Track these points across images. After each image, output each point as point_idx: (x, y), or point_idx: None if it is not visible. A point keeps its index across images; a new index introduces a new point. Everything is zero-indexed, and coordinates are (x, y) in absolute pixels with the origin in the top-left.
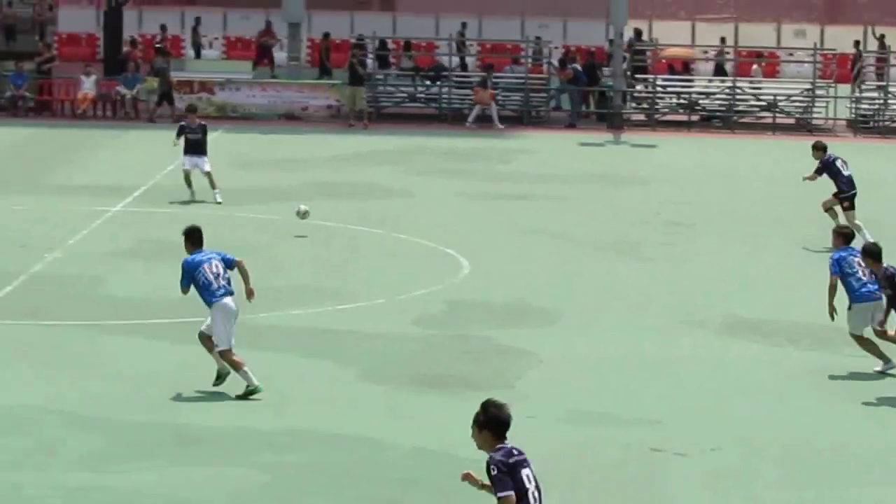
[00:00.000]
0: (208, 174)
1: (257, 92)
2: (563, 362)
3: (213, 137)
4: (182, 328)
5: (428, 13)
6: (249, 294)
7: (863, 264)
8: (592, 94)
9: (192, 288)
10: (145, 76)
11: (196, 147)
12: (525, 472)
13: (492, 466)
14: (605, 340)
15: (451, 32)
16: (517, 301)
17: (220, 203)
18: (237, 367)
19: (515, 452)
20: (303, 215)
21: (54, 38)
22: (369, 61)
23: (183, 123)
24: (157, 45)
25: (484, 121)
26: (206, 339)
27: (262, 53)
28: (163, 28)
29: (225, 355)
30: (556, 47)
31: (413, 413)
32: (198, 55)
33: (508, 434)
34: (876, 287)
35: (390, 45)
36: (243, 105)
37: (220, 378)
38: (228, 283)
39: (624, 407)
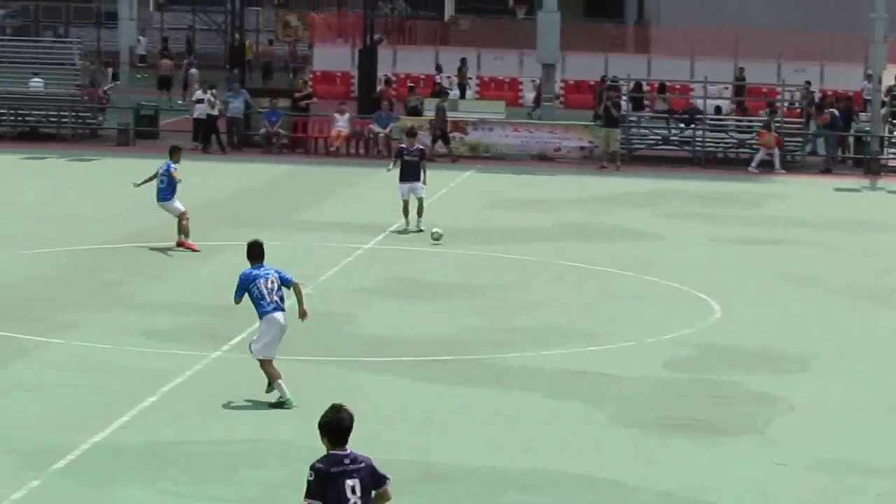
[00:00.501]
0: (420, 200)
1: (510, 132)
2: (815, 409)
3: (466, 177)
4: (431, 366)
5: (683, 56)
6: (303, 315)
7: None
8: (848, 139)
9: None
10: (398, 115)
11: (412, 171)
12: (350, 483)
13: (310, 471)
14: (859, 388)
15: (706, 75)
16: (768, 346)
17: (421, 231)
18: (273, 377)
19: (346, 462)
20: (437, 237)
21: (309, 77)
22: (623, 103)
23: (402, 146)
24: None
25: (763, 165)
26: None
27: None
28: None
29: (264, 365)
30: (814, 91)
31: (660, 457)
32: (462, 95)
33: None
34: None
35: (645, 87)
36: (496, 145)
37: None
38: (281, 299)
39: (876, 456)
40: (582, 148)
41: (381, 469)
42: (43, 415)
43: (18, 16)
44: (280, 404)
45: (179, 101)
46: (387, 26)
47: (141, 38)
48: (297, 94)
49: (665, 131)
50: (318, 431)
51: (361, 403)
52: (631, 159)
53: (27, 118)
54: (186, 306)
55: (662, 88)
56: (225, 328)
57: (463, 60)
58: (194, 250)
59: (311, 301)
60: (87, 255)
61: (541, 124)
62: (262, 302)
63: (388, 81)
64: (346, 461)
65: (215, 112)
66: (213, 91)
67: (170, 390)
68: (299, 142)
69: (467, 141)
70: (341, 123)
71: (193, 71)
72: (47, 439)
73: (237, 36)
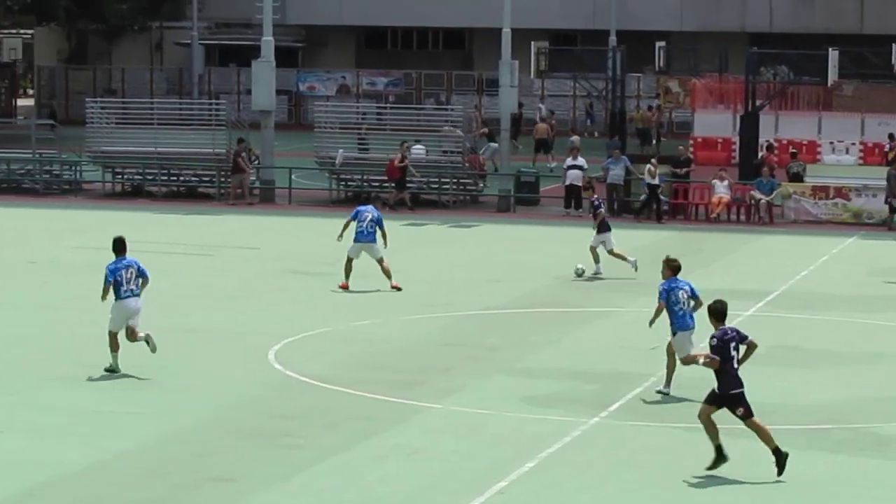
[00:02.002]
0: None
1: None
2: None
3: (848, 243)
4: (811, 434)
5: None
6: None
7: None
8: None
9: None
10: (780, 181)
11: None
12: (733, 344)
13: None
14: None
15: None
16: None
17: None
18: (114, 348)
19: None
20: (580, 273)
21: (689, 142)
22: None
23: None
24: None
25: None
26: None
27: None
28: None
29: (111, 335)
30: None
31: None
32: None
33: None
34: None
35: None
36: (880, 211)
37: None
38: (137, 287)
39: None
40: None
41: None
42: (420, 480)
43: (401, 84)
44: (110, 370)
45: (550, 167)
46: (768, 91)
47: (542, 105)
48: (682, 159)
49: None
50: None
51: (738, 469)
52: None
53: (408, 185)
54: (565, 372)
55: None
56: (604, 394)
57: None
58: (398, 288)
59: (692, 368)
60: (468, 321)
61: None
62: (120, 289)
63: (769, 147)
64: (730, 332)
65: (656, 181)
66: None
67: (548, 456)
68: (679, 208)
69: (850, 207)
70: (721, 189)
71: (575, 138)
72: None
73: (618, 103)
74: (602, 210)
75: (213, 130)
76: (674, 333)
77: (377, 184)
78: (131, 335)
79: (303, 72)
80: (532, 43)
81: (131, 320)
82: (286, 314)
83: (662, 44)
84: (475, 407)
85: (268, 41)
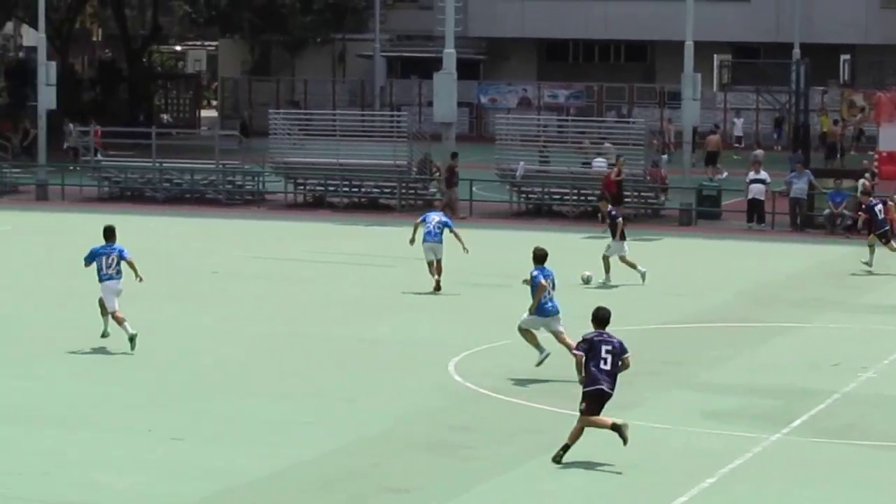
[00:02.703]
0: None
1: None
2: None
3: None
4: None
5: None
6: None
7: None
8: None
9: None
10: None
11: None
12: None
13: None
14: None
15: None
16: None
17: None
18: (106, 313)
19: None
20: (587, 280)
21: (874, 156)
22: None
23: None
24: None
25: None
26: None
27: None
28: None
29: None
30: None
31: None
32: None
33: None
34: None
35: None
36: None
37: None
38: (118, 272)
39: None
40: None
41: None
42: (596, 494)
43: (582, 96)
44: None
45: (713, 178)
46: None
47: (736, 119)
48: (865, 175)
49: None
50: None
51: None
52: None
53: (589, 198)
54: (745, 387)
55: None
56: (785, 410)
57: None
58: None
59: (878, 385)
60: (649, 335)
61: None
62: (100, 272)
63: None
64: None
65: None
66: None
67: (728, 472)
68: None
69: None
70: None
71: (758, 152)
72: None
73: (801, 116)
74: (620, 220)
75: (395, 142)
76: (531, 312)
77: (557, 196)
78: (117, 319)
79: (484, 84)
80: (715, 56)
81: (116, 299)
82: (466, 326)
83: (847, 57)
84: (654, 421)
85: (450, 53)
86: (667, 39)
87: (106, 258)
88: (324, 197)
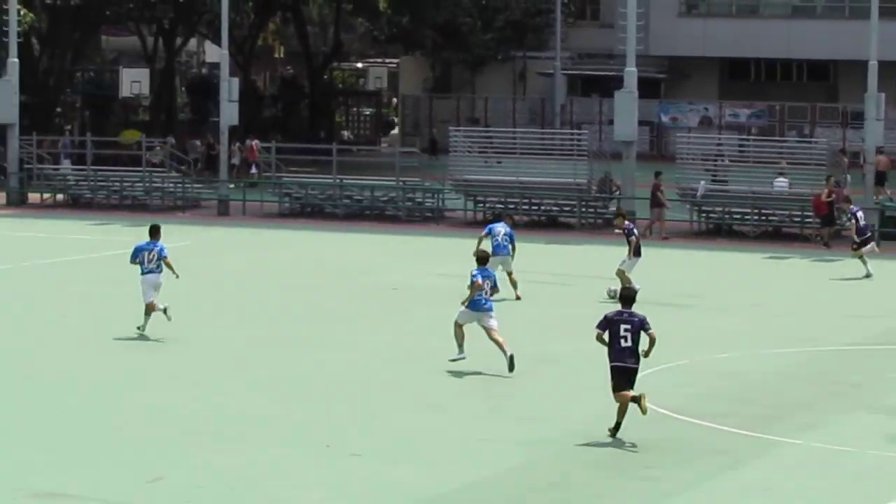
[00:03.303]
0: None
1: None
2: None
3: None
4: None
5: None
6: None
7: None
8: None
9: None
10: None
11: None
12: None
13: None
14: None
15: None
16: None
17: None
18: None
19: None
20: (613, 295)
21: None
22: None
23: None
24: None
25: None
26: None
27: None
28: None
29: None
30: None
31: None
32: None
33: None
34: None
35: None
36: None
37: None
38: (158, 267)
39: None
40: None
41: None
42: None
43: (764, 115)
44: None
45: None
46: None
47: None
48: None
49: None
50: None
51: None
52: None
53: (770, 218)
54: None
55: None
56: None
57: None
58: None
59: None
60: (831, 356)
61: None
62: (143, 265)
63: None
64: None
65: None
66: None
67: None
68: None
69: None
70: None
71: None
72: None
73: None
74: (634, 237)
75: (575, 160)
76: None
77: (738, 216)
78: (150, 307)
79: (665, 103)
80: None
81: (154, 292)
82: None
83: None
84: (835, 443)
85: (631, 72)
86: (850, 59)
87: (148, 254)
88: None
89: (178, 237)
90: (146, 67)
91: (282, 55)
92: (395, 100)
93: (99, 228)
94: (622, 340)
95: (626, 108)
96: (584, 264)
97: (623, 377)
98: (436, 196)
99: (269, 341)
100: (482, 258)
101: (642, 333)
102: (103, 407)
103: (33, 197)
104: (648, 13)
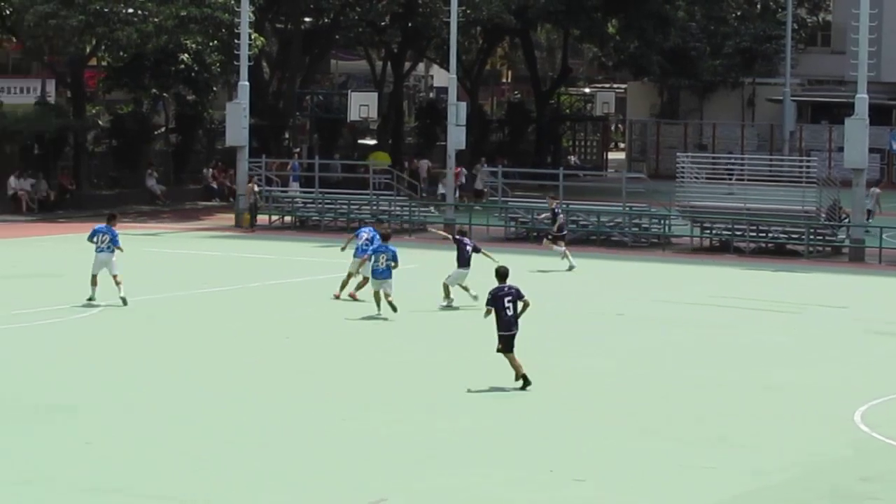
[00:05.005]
0: None
1: None
2: None
3: None
4: None
5: None
6: None
7: None
8: None
9: None
10: None
11: None
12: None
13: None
14: None
15: None
16: None
17: None
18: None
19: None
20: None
21: None
22: None
23: None
24: None
25: None
26: None
27: None
28: None
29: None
30: None
31: None
32: None
33: None
34: None
35: None
36: None
37: None
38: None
39: None
40: None
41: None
42: None
43: None
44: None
45: None
46: None
47: None
48: None
49: None
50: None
51: None
52: None
53: None
54: None
55: None
56: None
57: None
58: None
59: None
60: None
61: None
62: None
63: None
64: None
65: None
66: None
67: None
68: None
69: None
70: None
71: None
72: None
73: None
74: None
75: (804, 188)
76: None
77: None
78: (116, 281)
79: None
80: None
81: (106, 267)
82: (873, 375)
83: None
84: None
85: (862, 98)
86: None
87: (101, 236)
88: (730, 241)
89: (409, 259)
90: (374, 91)
91: (509, 80)
92: (621, 125)
93: (324, 251)
94: (507, 311)
95: (857, 135)
96: (812, 292)
97: (508, 342)
98: (662, 222)
99: (473, 364)
100: (385, 235)
101: (519, 302)
102: (321, 430)
103: (261, 219)
104: (881, 39)
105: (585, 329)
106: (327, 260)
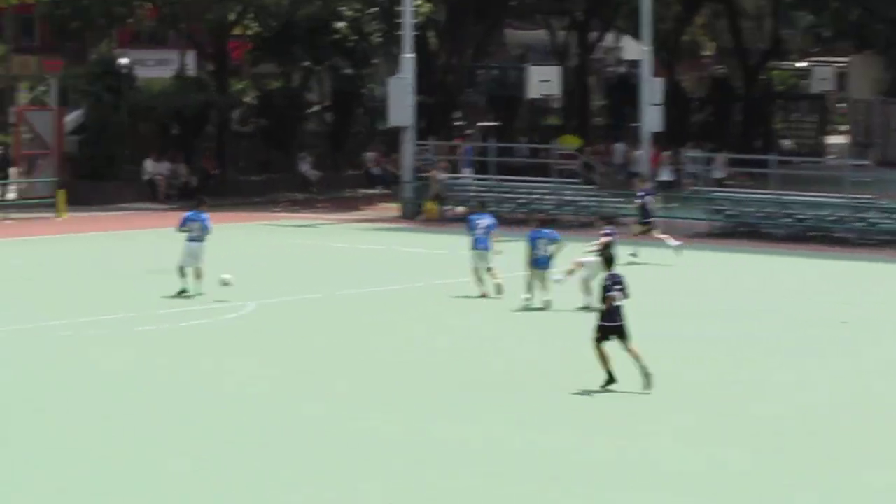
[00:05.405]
0: None
1: None
2: None
3: None
4: None
5: None
6: None
7: None
8: None
9: None
10: None
11: None
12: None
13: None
14: None
15: None
16: None
17: None
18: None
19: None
20: (225, 283)
21: None
22: None
23: None
24: None
25: None
26: None
27: None
28: None
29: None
30: None
31: None
32: None
33: None
34: None
35: None
36: None
37: None
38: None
39: None
40: None
41: None
42: None
43: None
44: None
45: None
46: None
47: None
48: None
49: None
50: None
51: None
52: None
53: None
54: None
55: None
56: None
57: None
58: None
59: None
60: None
61: None
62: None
63: None
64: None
65: None
66: None
67: None
68: None
69: None
70: None
71: None
72: None
73: None
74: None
75: None
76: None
77: None
78: (198, 275)
79: None
80: None
81: (195, 258)
82: None
83: None
84: None
85: None
86: None
87: (192, 223)
88: None
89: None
90: (556, 65)
91: (711, 53)
92: (843, 104)
93: (503, 245)
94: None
95: None
96: None
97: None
98: (893, 216)
99: (699, 380)
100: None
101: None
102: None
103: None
104: None
105: (805, 338)
106: (505, 257)
